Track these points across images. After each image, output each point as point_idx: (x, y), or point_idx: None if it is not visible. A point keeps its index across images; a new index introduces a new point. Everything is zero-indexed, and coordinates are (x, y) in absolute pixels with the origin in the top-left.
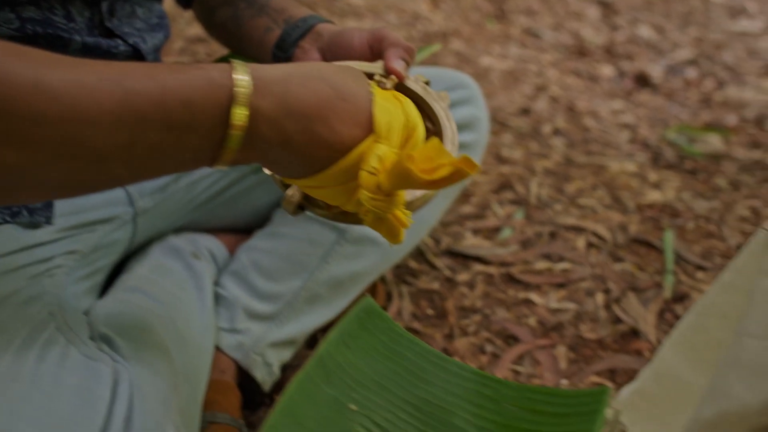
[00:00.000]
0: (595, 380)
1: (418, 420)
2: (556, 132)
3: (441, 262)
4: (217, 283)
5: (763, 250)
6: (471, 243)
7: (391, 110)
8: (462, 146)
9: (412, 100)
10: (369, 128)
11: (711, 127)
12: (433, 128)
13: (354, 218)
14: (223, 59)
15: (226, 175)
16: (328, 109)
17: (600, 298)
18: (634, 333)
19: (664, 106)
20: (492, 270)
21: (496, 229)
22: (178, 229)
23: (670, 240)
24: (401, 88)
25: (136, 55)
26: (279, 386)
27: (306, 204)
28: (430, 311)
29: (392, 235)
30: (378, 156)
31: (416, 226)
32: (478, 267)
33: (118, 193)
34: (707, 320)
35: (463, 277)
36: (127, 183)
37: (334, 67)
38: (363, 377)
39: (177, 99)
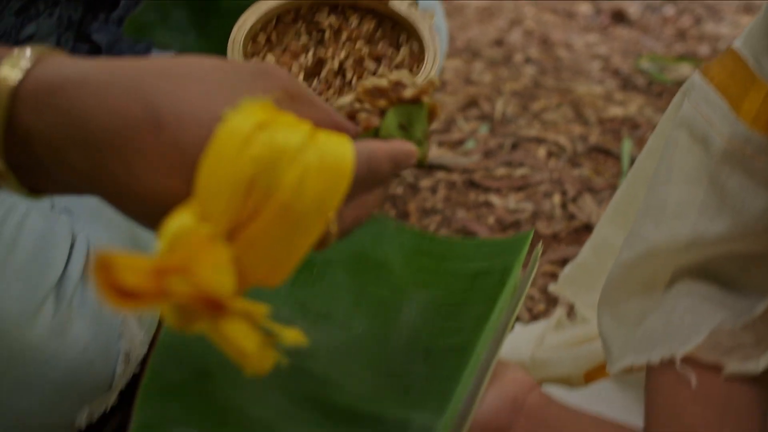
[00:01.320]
0: (548, 269)
1: (354, 271)
2: (528, 60)
3: (405, 171)
4: None
5: (677, 108)
6: (435, 154)
7: (229, 156)
8: None
9: (397, 20)
10: (184, 184)
11: (683, 57)
12: (418, 50)
13: None
14: None
15: None
16: (128, 140)
17: (557, 198)
18: (587, 227)
19: (639, 39)
20: (454, 177)
21: (461, 142)
22: None
23: (628, 147)
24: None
25: None
26: None
27: None
28: (391, 213)
29: (239, 360)
30: (171, 235)
31: None
32: (441, 174)
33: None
34: (635, 187)
35: (425, 183)
36: None
37: (186, 66)
38: None
39: None
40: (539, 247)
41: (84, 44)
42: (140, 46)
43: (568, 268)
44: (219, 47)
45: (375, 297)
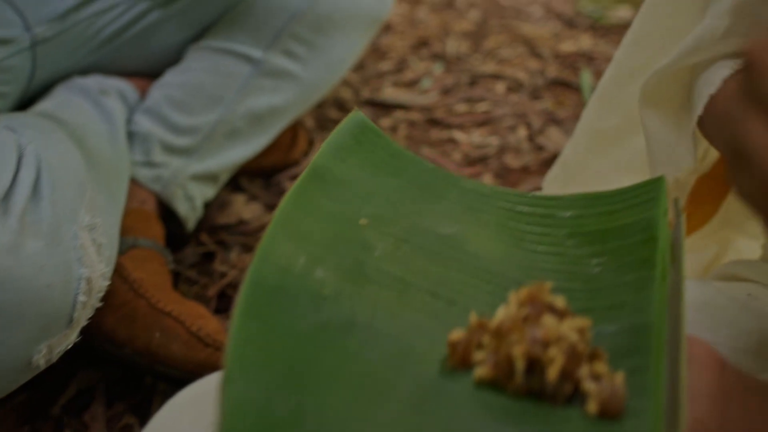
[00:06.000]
0: None
1: (439, 242)
2: (472, 5)
3: (363, 111)
4: (129, 121)
5: None
6: (391, 93)
7: None
8: None
9: None
10: None
11: None
12: None
13: None
14: None
15: (133, 7)
16: None
17: (522, 131)
18: (557, 157)
19: None
20: (414, 115)
21: (416, 81)
22: (85, 72)
23: (587, 78)
24: None
25: None
26: (203, 226)
27: None
28: None
29: None
30: None
31: (333, 62)
32: (400, 114)
33: (9, 15)
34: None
35: (385, 122)
36: None
37: None
38: (367, 191)
39: None
40: (678, 197)
41: None
42: None
43: (555, 169)
44: None
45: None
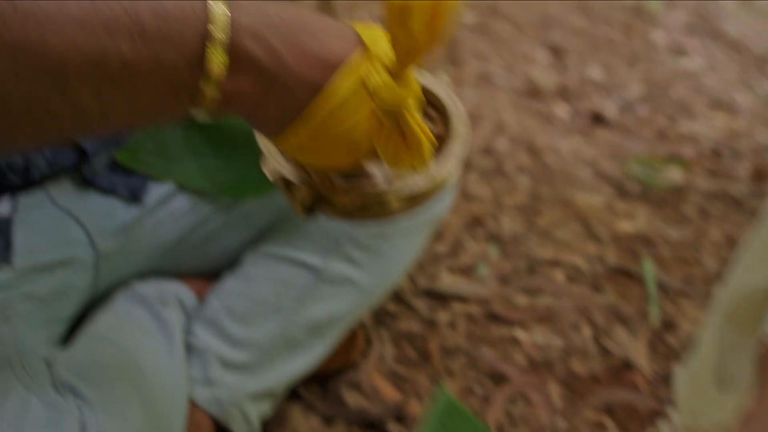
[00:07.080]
0: (592, 416)
1: None
2: (520, 169)
3: (419, 303)
4: (187, 331)
5: None
6: (448, 282)
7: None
8: None
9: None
10: (356, 43)
11: (670, 158)
12: (439, 116)
13: (372, 209)
14: None
15: (193, 212)
16: (310, 23)
17: (586, 331)
18: (627, 365)
19: (621, 141)
20: (472, 308)
21: (472, 267)
22: (144, 275)
23: (650, 268)
24: None
25: None
26: None
27: (317, 203)
28: (412, 354)
29: (417, 149)
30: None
31: (394, 265)
32: (458, 306)
33: (76, 233)
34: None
35: (443, 317)
36: (96, 124)
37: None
38: None
39: (147, 5)
40: None
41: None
42: (136, 180)
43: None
44: (224, 176)
45: None
